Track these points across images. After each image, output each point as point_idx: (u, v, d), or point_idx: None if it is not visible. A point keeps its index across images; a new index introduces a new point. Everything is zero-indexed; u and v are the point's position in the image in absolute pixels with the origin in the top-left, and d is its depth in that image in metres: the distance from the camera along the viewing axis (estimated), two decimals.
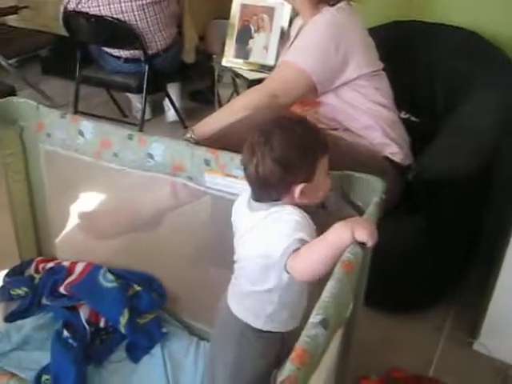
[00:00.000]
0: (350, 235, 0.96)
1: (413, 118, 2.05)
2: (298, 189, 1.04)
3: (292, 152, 1.03)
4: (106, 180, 1.63)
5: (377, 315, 1.74)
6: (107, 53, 2.84)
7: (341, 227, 0.97)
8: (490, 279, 1.77)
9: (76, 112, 2.96)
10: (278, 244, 1.01)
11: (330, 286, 0.86)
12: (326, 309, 0.82)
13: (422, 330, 1.82)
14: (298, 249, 0.98)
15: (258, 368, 1.18)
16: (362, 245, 0.97)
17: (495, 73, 1.79)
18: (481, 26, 1.95)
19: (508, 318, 1.65)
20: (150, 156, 1.41)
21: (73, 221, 1.78)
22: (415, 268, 1.73)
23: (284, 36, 2.37)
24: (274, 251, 1.02)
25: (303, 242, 0.99)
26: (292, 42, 1.80)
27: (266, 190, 1.07)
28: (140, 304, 1.61)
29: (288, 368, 0.72)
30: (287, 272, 1.01)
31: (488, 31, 1.93)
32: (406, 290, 1.76)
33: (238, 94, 2.68)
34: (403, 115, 2.01)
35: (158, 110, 3.31)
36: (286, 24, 2.39)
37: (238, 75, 2.56)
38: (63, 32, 2.91)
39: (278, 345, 1.17)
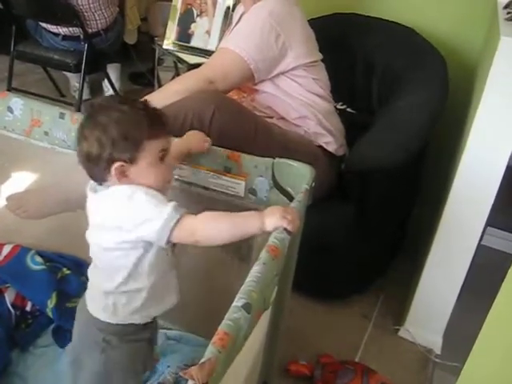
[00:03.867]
0: (258, 225, 0.98)
1: (349, 110, 2.08)
2: (112, 167, 1.01)
3: (111, 130, 1.00)
4: (36, 159, 1.58)
5: (307, 302, 1.79)
6: (45, 28, 2.75)
7: (253, 214, 1.00)
8: (416, 269, 1.84)
9: (10, 89, 2.85)
10: (148, 223, 0.99)
11: (254, 271, 0.87)
12: (250, 293, 0.83)
13: (351, 317, 1.87)
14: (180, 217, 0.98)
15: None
16: (288, 231, 0.98)
17: (428, 69, 1.84)
18: (418, 22, 2.00)
19: (431, 306, 1.72)
20: None
21: (1, 201, 1.72)
22: (344, 256, 1.77)
23: (227, 21, 2.36)
24: (141, 230, 1.00)
25: (179, 210, 0.99)
26: (233, 28, 1.79)
27: (89, 168, 1.05)
28: (69, 288, 1.57)
29: (209, 350, 0.72)
30: (167, 243, 1.00)
31: (425, 27, 1.98)
32: (335, 277, 1.80)
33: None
34: (340, 106, 2.05)
35: (97, 91, 3.24)
36: (229, 9, 2.38)
37: (178, 59, 2.53)
38: None
39: (145, 346, 1.17)
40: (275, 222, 0.98)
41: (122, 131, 1.00)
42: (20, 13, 2.73)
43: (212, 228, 1.00)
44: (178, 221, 0.98)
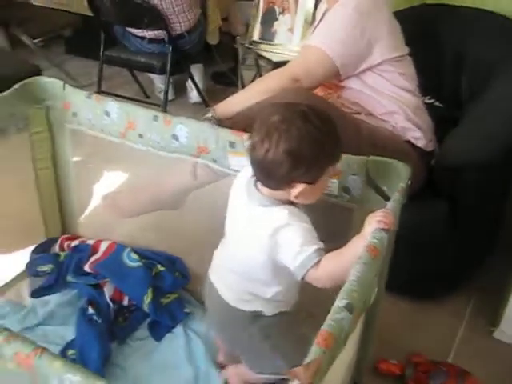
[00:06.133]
0: (364, 244, 0.97)
1: (437, 104, 2.02)
2: (298, 188, 1.03)
3: (308, 149, 0.99)
4: (130, 160, 1.64)
5: (398, 300, 1.75)
6: (131, 33, 2.83)
7: (359, 240, 0.99)
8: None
9: (99, 92, 2.97)
10: (290, 255, 1.03)
11: (355, 271, 0.87)
12: (352, 293, 0.83)
13: (442, 317, 1.81)
14: (319, 261, 1.01)
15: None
16: (385, 230, 0.98)
17: None
18: None
19: None
20: (175, 137, 1.42)
21: (97, 199, 1.80)
22: (437, 254, 1.72)
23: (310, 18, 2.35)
24: (283, 260, 1.05)
25: (320, 252, 1.01)
26: (317, 26, 1.78)
27: (267, 177, 1.05)
28: (163, 284, 1.63)
29: (313, 351, 0.73)
30: (302, 279, 1.04)
31: None
32: (427, 275, 1.75)
33: (261, 76, 2.66)
34: (428, 100, 1.99)
35: (181, 91, 3.32)
36: (311, 6, 2.37)
37: (261, 57, 2.54)
38: (87, 12, 2.92)
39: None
40: (369, 230, 0.99)
41: (316, 153, 1.01)
42: (109, 19, 2.83)
43: (332, 276, 1.01)
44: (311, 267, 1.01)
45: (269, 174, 1.04)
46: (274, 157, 0.99)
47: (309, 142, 0.99)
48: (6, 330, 0.82)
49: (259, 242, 1.06)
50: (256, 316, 1.20)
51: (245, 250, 1.14)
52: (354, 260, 0.95)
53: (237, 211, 1.17)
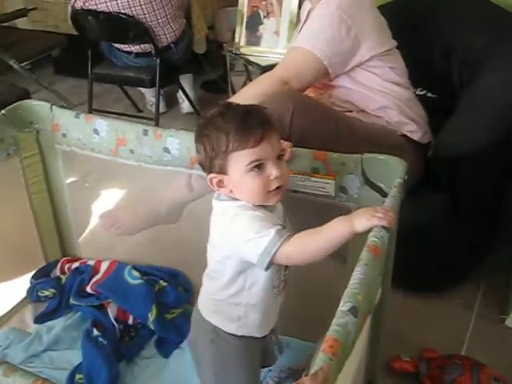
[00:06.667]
0: (346, 228, 0.95)
1: (429, 95, 2.00)
2: (209, 177, 1.05)
3: (204, 144, 1.04)
4: (124, 177, 1.63)
5: (406, 297, 1.73)
6: (118, 49, 2.83)
7: (338, 220, 0.97)
8: None
9: (91, 110, 2.96)
10: (250, 248, 0.99)
11: (357, 273, 0.85)
12: (355, 296, 0.80)
13: (452, 309, 1.79)
14: (284, 240, 0.97)
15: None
16: (385, 227, 0.95)
17: None
18: None
19: None
20: (167, 150, 1.40)
21: (94, 219, 1.79)
22: (441, 246, 1.71)
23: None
24: (244, 254, 1.02)
25: (282, 232, 0.98)
26: (302, 26, 1.77)
27: (204, 172, 1.09)
28: (167, 299, 1.61)
29: (320, 359, 0.71)
30: (268, 266, 1.00)
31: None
32: (433, 269, 1.74)
33: (251, 81, 2.66)
34: (419, 92, 1.97)
35: (172, 103, 3.31)
36: (295, 7, 2.35)
37: (250, 62, 2.53)
38: (73, 31, 2.91)
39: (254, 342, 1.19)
40: (365, 223, 0.95)
41: (211, 144, 1.02)
42: (94, 37, 2.83)
43: (305, 249, 0.99)
44: (277, 249, 0.97)
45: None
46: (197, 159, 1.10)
47: (204, 138, 1.04)
48: (5, 362, 0.80)
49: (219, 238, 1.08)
50: (217, 333, 1.16)
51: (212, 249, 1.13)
52: (330, 241, 0.95)
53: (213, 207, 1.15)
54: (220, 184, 1.05)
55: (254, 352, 1.20)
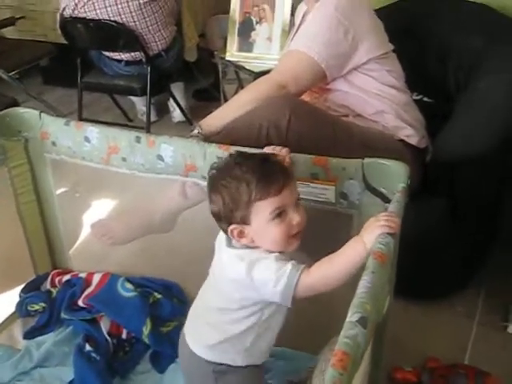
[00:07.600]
0: (361, 249, 0.94)
1: (426, 99, 1.99)
2: (229, 228, 1.04)
3: (227, 189, 1.02)
4: (116, 185, 1.60)
5: (406, 305, 1.69)
6: (108, 57, 2.79)
7: (352, 243, 0.97)
8: None
9: (81, 120, 2.92)
10: (269, 286, 0.99)
11: (364, 281, 0.81)
12: (363, 305, 0.77)
13: (452, 317, 1.76)
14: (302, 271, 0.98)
15: None
16: (391, 234, 0.93)
17: (509, 45, 1.72)
18: None
19: None
20: (160, 158, 1.37)
21: (86, 229, 1.75)
22: (441, 253, 1.68)
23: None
24: (265, 296, 1.02)
25: (297, 266, 0.99)
26: (297, 30, 1.74)
27: (218, 222, 1.08)
28: (162, 312, 1.57)
29: (331, 374, 0.67)
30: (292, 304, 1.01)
31: (498, 2, 1.86)
32: (433, 276, 1.71)
33: (242, 88, 2.63)
34: (416, 96, 1.95)
35: (164, 111, 3.28)
36: (288, 12, 2.34)
37: (242, 69, 2.51)
38: (62, 40, 2.88)
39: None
40: (372, 237, 0.94)
41: (231, 195, 1.02)
42: (84, 45, 2.79)
43: (327, 276, 0.99)
44: (297, 280, 0.97)
45: (216, 220, 1.08)
46: (212, 209, 1.07)
47: (232, 182, 1.03)
48: None
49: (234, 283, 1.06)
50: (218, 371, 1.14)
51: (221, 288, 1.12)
52: (349, 264, 0.94)
53: (221, 251, 1.13)
54: (241, 234, 1.04)
55: (260, 378, 1.21)
